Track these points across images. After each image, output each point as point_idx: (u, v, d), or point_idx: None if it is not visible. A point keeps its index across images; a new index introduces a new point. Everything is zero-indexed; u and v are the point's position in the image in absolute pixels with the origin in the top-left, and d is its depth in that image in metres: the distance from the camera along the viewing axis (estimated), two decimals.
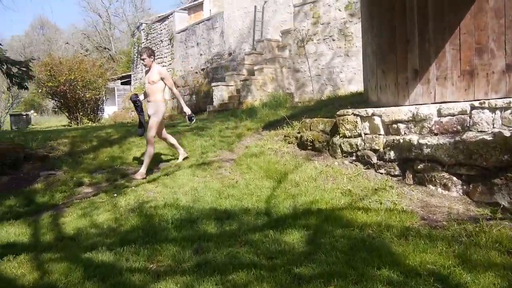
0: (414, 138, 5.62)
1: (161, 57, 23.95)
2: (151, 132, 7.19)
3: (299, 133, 7.71)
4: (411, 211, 4.64)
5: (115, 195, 6.02)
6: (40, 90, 21.29)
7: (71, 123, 21.71)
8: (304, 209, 4.87)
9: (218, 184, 6.18)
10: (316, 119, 7.47)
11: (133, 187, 6.41)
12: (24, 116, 25.76)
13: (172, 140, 7.84)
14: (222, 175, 6.66)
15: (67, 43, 48.78)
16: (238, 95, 13.98)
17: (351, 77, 12.71)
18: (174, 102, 22.21)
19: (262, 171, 6.50)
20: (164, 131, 7.74)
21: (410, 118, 5.79)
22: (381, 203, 4.92)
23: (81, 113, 21.34)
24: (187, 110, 7.68)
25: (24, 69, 18.81)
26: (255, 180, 6.18)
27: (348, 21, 12.62)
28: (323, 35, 13.25)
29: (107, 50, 44.86)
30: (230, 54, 19.03)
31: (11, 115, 25.81)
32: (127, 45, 43.37)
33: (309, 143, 7.27)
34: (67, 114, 22.31)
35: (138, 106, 7.51)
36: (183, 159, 7.70)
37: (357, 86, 12.46)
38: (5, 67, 18.13)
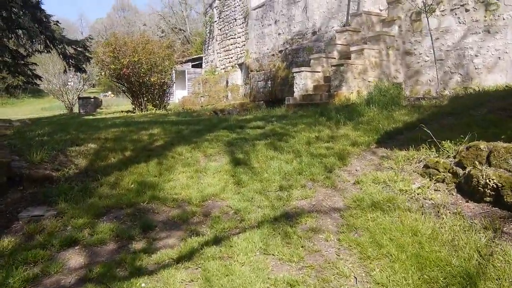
0: None
1: (234, 37, 20.81)
2: None
3: (459, 164, 4.10)
4: None
5: None
6: (103, 73, 19.00)
7: (135, 109, 19.34)
8: None
9: None
10: (503, 144, 3.80)
11: (150, 276, 3.20)
12: (92, 99, 23.85)
13: None
14: (322, 260, 3.24)
15: (144, 24, 47.36)
16: (327, 85, 10.42)
17: (493, 63, 8.66)
18: (247, 87, 19.07)
19: (408, 260, 3.00)
20: None
21: None
22: None
23: (145, 99, 18.81)
24: None
25: (80, 49, 16.53)
26: None
27: None
28: (451, 3, 9.24)
29: (182, 31, 42.72)
30: (314, 33, 15.39)
31: (79, 98, 24.06)
32: (202, 26, 40.94)
33: (488, 191, 3.64)
34: (131, 99, 19.95)
35: None
36: None
37: (502, 76, 8.45)
38: (60, 46, 15.92)
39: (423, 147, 4.86)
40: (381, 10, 12.45)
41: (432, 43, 9.25)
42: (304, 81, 10.69)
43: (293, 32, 16.49)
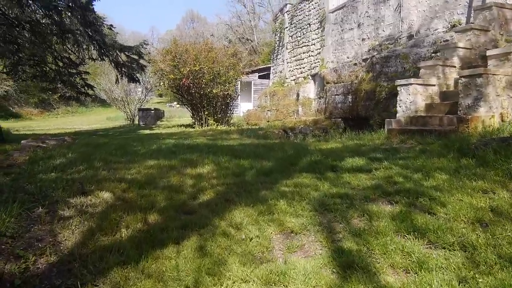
0: None
1: (307, 45, 17.97)
2: None
3: None
4: None
5: None
6: (161, 83, 16.87)
7: (195, 124, 17.05)
8: None
9: None
10: None
11: None
12: (153, 111, 21.95)
13: None
14: None
15: (212, 35, 45.85)
16: (446, 104, 7.27)
17: None
18: (321, 102, 16.12)
19: None
20: None
21: None
22: None
23: (206, 112, 16.43)
24: None
25: (134, 56, 14.40)
26: None
27: None
28: None
29: (249, 41, 40.58)
30: (410, 36, 12.18)
31: (139, 110, 22.26)
32: (270, 36, 38.61)
33: None
34: (191, 113, 17.68)
35: None
36: None
37: None
38: (112, 53, 13.85)
39: None
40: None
41: None
42: (413, 98, 7.58)
43: (382, 37, 13.36)
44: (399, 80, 7.98)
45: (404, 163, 5.01)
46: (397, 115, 7.87)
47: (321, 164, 5.45)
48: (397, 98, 7.92)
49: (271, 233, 3.42)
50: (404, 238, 3.06)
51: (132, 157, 6.63)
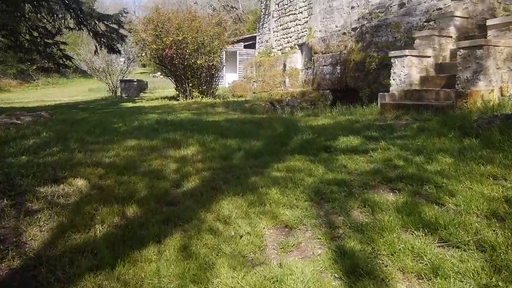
0: None
1: (294, 13, 17.31)
2: None
3: None
4: None
5: None
6: (144, 54, 16.13)
7: (179, 96, 16.46)
8: None
9: None
10: None
11: None
12: (135, 83, 21.17)
13: None
14: None
15: (195, 2, 44.36)
16: (443, 77, 6.92)
17: None
18: (309, 73, 15.63)
19: None
20: None
21: None
22: None
23: (190, 84, 15.85)
24: None
25: (113, 26, 13.65)
26: None
27: None
28: None
29: (234, 9, 39.40)
30: (401, 4, 11.69)
31: (121, 81, 21.43)
32: (255, 3, 37.47)
33: None
34: (174, 85, 17.05)
35: None
36: None
37: None
38: (91, 23, 13.07)
39: None
40: None
41: None
42: (408, 71, 7.19)
43: (372, 5, 12.83)
44: (393, 52, 7.56)
45: (403, 143, 4.67)
46: (391, 88, 7.49)
47: (314, 144, 5.08)
48: (391, 70, 7.53)
49: (263, 228, 3.06)
50: (412, 235, 2.74)
51: (112, 136, 6.19)
